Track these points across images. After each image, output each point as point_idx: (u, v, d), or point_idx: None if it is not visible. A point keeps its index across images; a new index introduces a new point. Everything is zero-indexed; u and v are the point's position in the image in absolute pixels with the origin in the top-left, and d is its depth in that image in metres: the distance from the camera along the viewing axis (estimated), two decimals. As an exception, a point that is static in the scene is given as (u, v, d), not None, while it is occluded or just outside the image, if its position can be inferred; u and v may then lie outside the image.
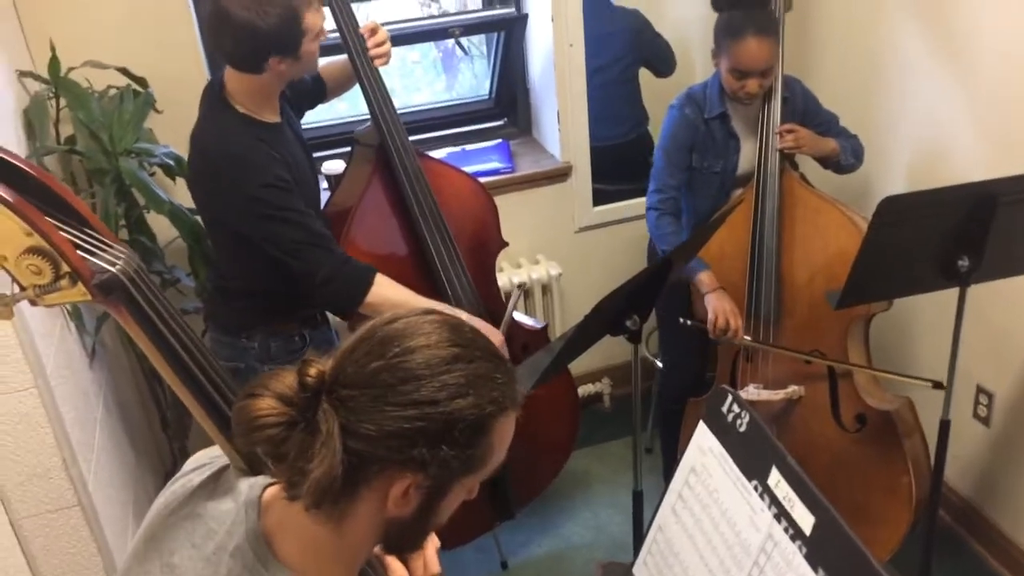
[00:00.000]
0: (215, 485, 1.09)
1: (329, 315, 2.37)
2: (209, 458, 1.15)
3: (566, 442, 2.72)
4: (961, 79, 2.41)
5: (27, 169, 0.97)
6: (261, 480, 1.05)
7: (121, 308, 0.99)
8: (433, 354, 0.94)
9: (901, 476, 2.36)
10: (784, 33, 2.45)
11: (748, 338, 2.43)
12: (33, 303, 0.96)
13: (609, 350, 3.13)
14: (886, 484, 2.39)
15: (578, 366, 2.80)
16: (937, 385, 2.14)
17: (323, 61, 2.21)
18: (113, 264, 0.98)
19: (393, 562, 1.19)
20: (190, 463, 1.16)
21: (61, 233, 0.94)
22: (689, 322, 2.47)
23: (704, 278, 2.42)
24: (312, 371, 0.94)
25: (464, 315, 2.08)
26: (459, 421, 0.93)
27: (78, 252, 0.95)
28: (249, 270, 2.10)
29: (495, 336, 2.16)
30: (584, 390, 3.30)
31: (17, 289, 0.95)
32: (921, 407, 2.42)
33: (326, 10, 2.18)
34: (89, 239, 0.99)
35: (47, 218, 0.93)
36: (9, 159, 0.97)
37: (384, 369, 0.93)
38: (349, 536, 0.99)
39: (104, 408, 2.36)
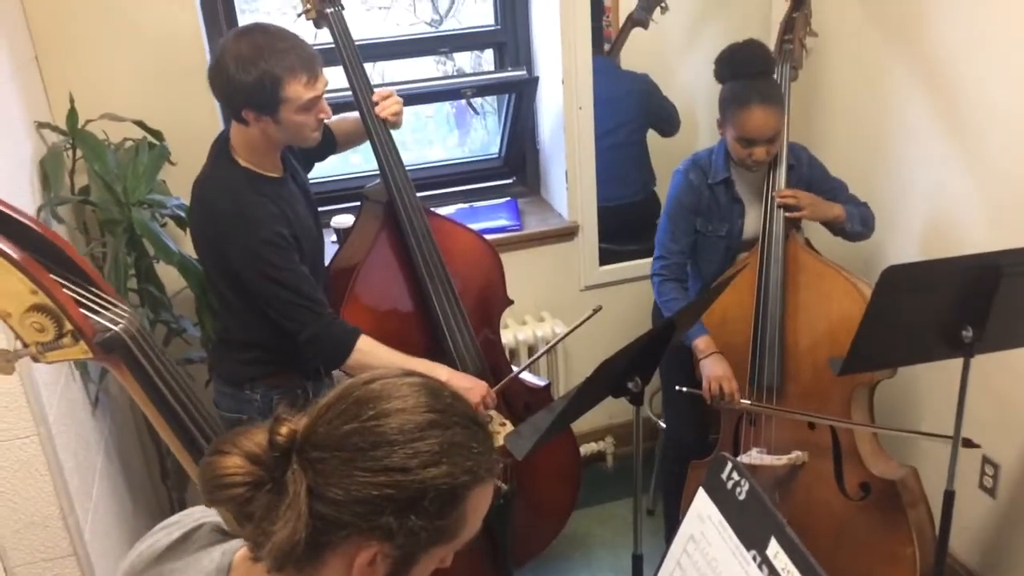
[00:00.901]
0: (184, 547, 1.06)
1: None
2: (179, 516, 1.12)
3: (567, 502, 2.69)
4: (968, 148, 2.43)
5: (32, 225, 0.99)
6: (235, 545, 1.03)
7: (121, 365, 1.00)
8: (407, 419, 0.92)
9: (905, 546, 2.33)
10: (791, 102, 2.49)
11: (747, 401, 2.42)
12: (35, 360, 0.97)
13: (612, 409, 3.12)
14: (890, 554, 2.35)
15: (581, 425, 2.78)
16: (967, 443, 2.10)
17: (336, 117, 2.25)
18: (116, 323, 0.99)
19: None
20: (164, 522, 1.13)
21: (65, 291, 0.95)
22: (684, 389, 2.46)
23: (700, 343, 2.44)
24: (283, 430, 0.92)
25: (445, 373, 2.10)
26: (430, 490, 0.90)
27: (81, 310, 0.96)
28: (248, 322, 2.12)
29: (478, 388, 2.17)
30: (586, 449, 3.28)
31: (20, 345, 0.96)
32: (926, 478, 2.40)
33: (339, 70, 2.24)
34: (92, 297, 1.00)
35: (51, 275, 0.94)
36: (14, 215, 0.99)
37: (356, 432, 0.91)
38: None
39: (105, 456, 2.36)
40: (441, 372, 2.12)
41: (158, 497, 2.91)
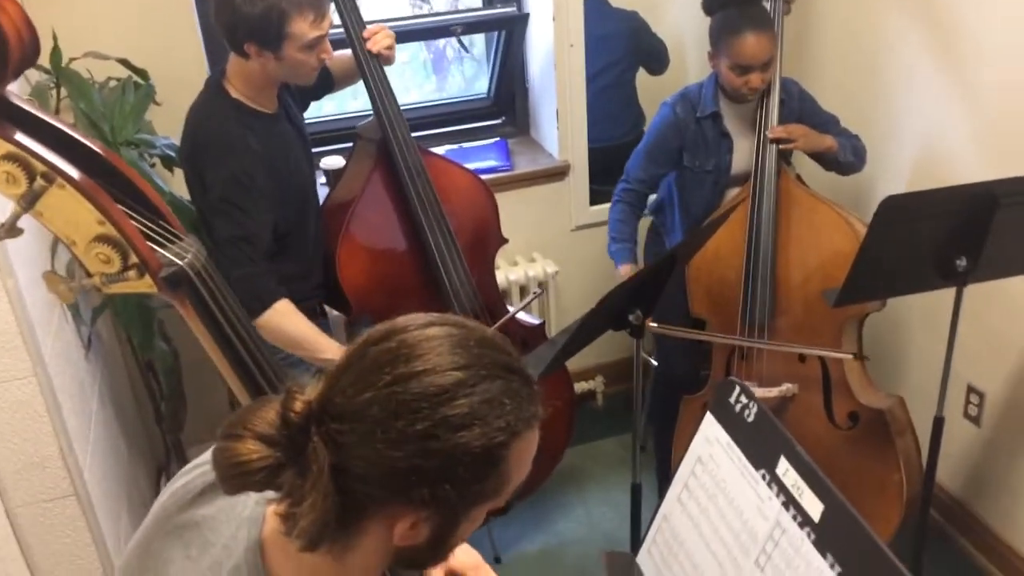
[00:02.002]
0: (217, 490, 0.98)
1: (328, 309, 2.38)
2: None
3: (563, 438, 2.73)
4: (961, 81, 2.43)
5: (102, 154, 0.96)
6: (269, 494, 0.94)
7: (185, 301, 0.98)
8: (431, 381, 0.82)
9: (893, 473, 2.38)
10: (783, 37, 2.47)
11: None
12: (98, 290, 0.94)
13: (602, 348, 3.13)
14: (878, 481, 2.41)
15: (570, 364, 2.80)
16: (857, 356, 2.28)
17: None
18: (182, 257, 0.96)
19: None
20: (199, 459, 1.08)
21: (132, 223, 0.93)
22: (655, 325, 2.49)
23: (623, 270, 2.53)
24: (296, 405, 0.84)
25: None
26: (463, 456, 0.82)
27: (148, 243, 0.94)
28: None
29: None
30: (577, 388, 3.31)
31: (83, 274, 0.94)
32: (912, 406, 2.45)
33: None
34: (159, 230, 0.97)
35: (119, 206, 0.92)
36: (84, 141, 0.96)
37: (375, 401, 0.82)
38: (353, 567, 0.91)
39: (99, 400, 2.35)
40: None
41: (151, 440, 2.91)
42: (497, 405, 0.84)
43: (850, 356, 2.34)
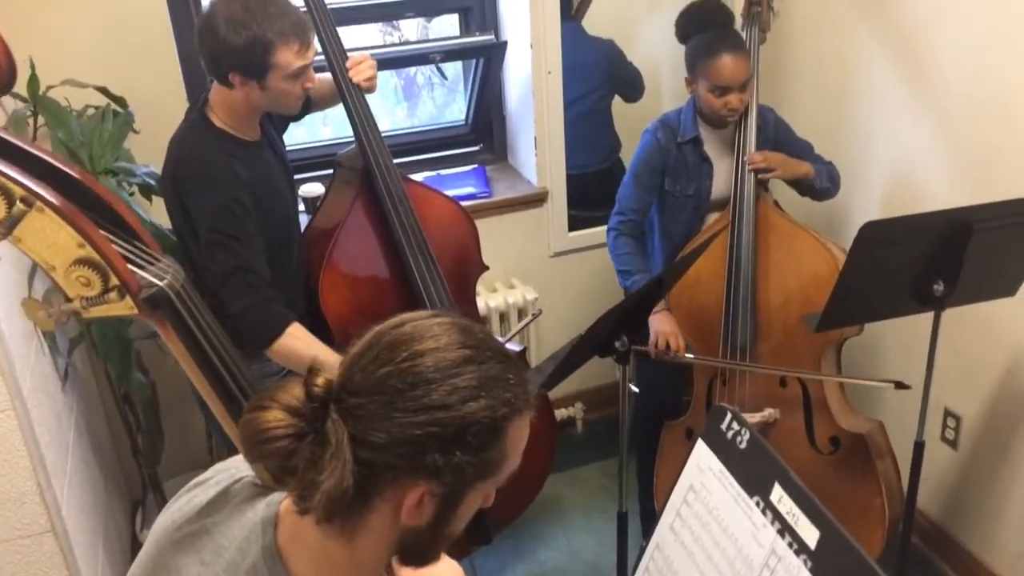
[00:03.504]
0: (224, 500, 1.06)
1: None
2: (214, 471, 1.11)
3: (544, 466, 2.72)
4: (932, 106, 2.49)
5: (79, 178, 0.96)
6: (278, 497, 1.02)
7: (165, 323, 0.98)
8: (442, 357, 0.92)
9: (874, 498, 2.40)
10: (758, 65, 2.51)
11: (690, 356, 2.48)
12: (78, 315, 0.94)
13: (582, 374, 3.13)
14: (859, 506, 2.43)
15: (551, 391, 2.81)
16: (900, 385, 2.24)
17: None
18: (161, 278, 0.97)
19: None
20: (196, 479, 1.12)
21: (112, 245, 0.93)
22: (633, 347, 2.51)
23: None
24: (319, 380, 0.92)
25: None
26: (472, 425, 0.91)
27: (127, 265, 0.94)
28: None
29: None
30: (557, 415, 3.31)
31: (63, 300, 0.94)
32: (890, 430, 2.47)
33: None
34: (137, 252, 0.97)
35: (99, 230, 0.91)
36: (63, 168, 0.96)
37: (393, 375, 0.91)
38: (363, 549, 0.97)
39: (75, 433, 2.31)
40: None
41: (127, 474, 2.86)
42: (501, 381, 0.94)
43: (833, 379, 2.36)
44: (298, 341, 1.99)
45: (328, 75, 2.25)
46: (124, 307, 0.93)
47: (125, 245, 0.97)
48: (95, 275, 0.91)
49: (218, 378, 1.04)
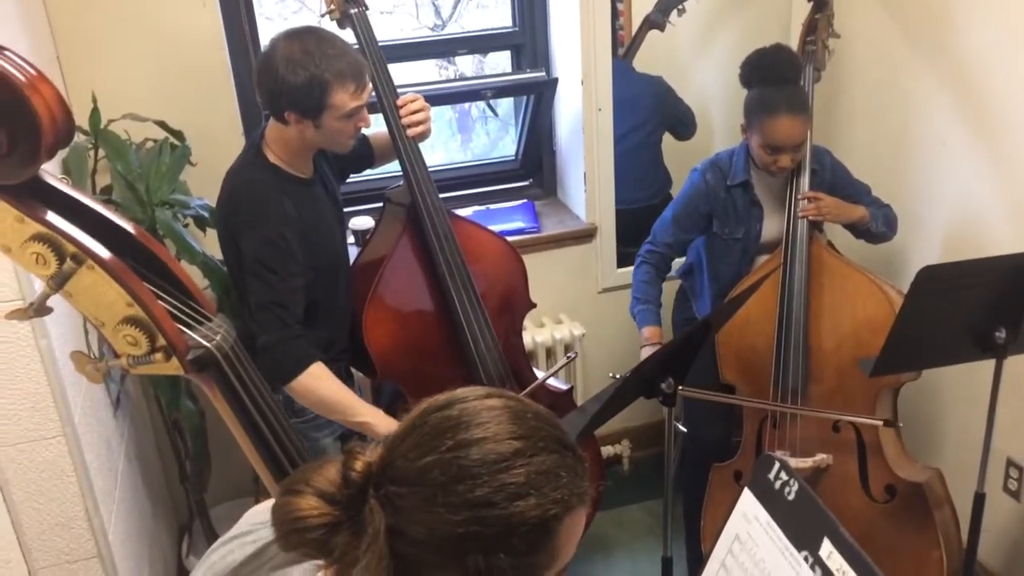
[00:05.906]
0: (258, 562, 1.00)
1: (354, 372, 2.37)
2: (251, 525, 1.06)
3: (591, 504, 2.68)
4: (993, 148, 2.42)
5: (134, 233, 0.95)
6: (311, 567, 0.96)
7: (212, 384, 0.97)
8: (491, 449, 0.85)
9: (932, 550, 2.31)
10: (813, 104, 2.48)
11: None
12: (125, 371, 0.94)
13: (629, 412, 3.09)
14: (916, 558, 2.34)
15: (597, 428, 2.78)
16: (888, 423, 2.25)
17: (376, 129, 2.24)
18: (210, 339, 0.95)
19: None
20: (230, 533, 1.08)
21: (161, 304, 0.92)
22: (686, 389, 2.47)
23: (646, 332, 2.51)
24: (358, 465, 0.86)
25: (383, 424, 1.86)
26: (519, 526, 0.84)
27: (176, 325, 0.93)
28: None
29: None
30: (603, 452, 3.26)
31: (112, 354, 0.94)
32: (949, 479, 2.39)
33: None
34: (188, 310, 0.96)
35: (147, 285, 0.91)
36: (116, 221, 0.96)
37: (436, 465, 0.85)
38: None
39: (125, 459, 2.34)
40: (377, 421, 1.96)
41: (174, 500, 2.89)
42: (553, 477, 0.86)
43: (880, 422, 2.29)
44: (319, 381, 1.98)
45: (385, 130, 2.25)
46: (171, 368, 0.92)
47: (176, 304, 0.96)
48: (142, 335, 0.89)
49: (263, 442, 1.02)
